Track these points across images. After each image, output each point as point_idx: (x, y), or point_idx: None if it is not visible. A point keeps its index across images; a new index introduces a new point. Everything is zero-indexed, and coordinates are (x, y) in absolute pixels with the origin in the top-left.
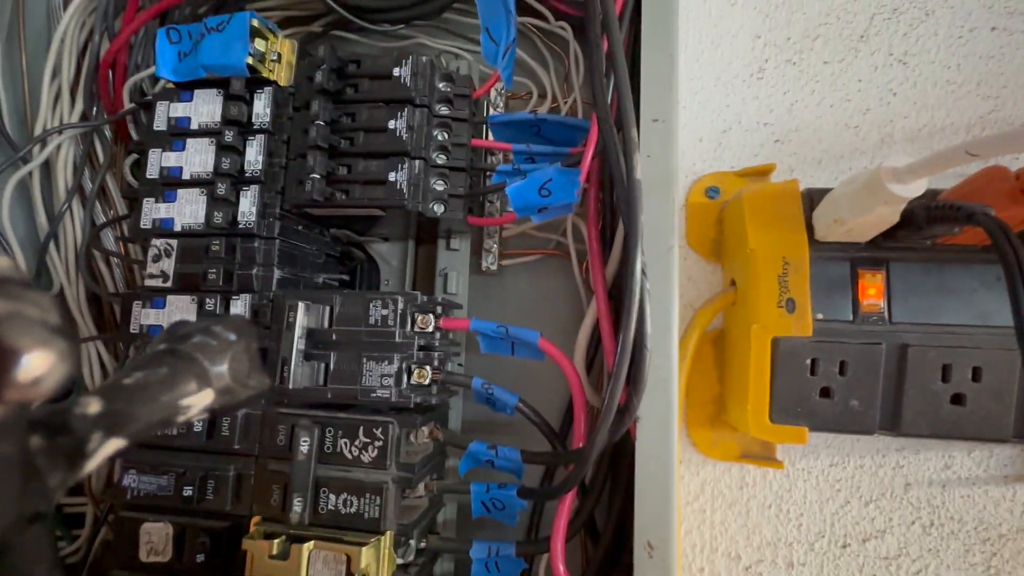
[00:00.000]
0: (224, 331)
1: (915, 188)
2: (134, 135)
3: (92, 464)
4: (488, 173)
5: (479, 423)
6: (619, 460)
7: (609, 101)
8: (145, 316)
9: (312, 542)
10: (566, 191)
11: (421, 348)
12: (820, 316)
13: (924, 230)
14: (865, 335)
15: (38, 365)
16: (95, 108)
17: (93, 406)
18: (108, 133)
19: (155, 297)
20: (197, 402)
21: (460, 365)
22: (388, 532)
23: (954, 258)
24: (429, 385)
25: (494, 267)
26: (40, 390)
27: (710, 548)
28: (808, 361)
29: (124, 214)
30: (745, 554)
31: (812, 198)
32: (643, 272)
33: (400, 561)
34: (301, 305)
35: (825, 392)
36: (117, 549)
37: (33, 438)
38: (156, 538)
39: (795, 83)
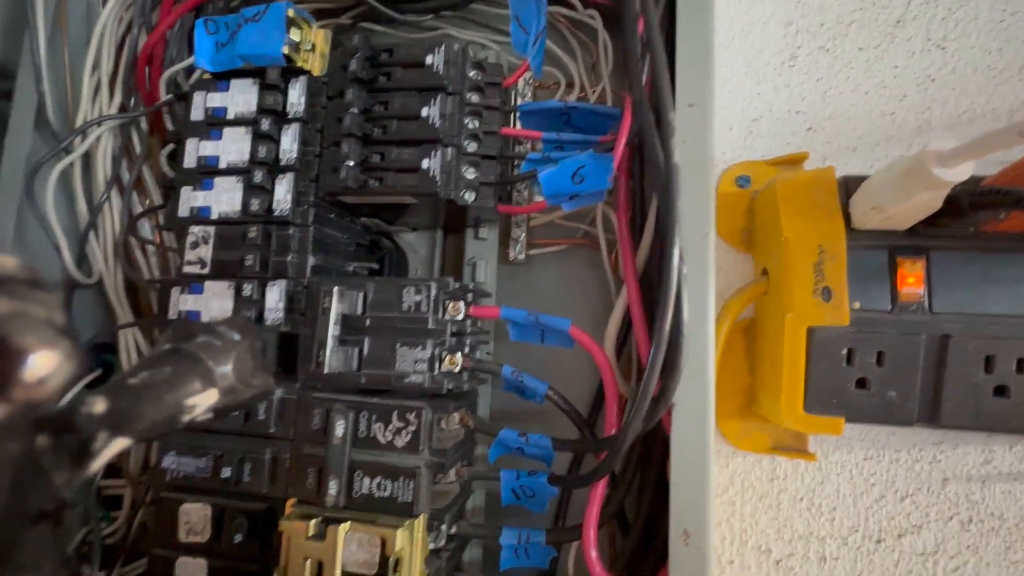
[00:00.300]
0: (228, 331)
1: (960, 172)
2: (170, 126)
3: (98, 463)
4: (517, 162)
5: (506, 412)
6: (649, 449)
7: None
8: (184, 302)
9: (348, 523)
10: (599, 177)
11: (453, 335)
12: (857, 305)
13: (968, 217)
14: (904, 325)
15: (44, 364)
16: (133, 100)
17: (99, 405)
18: (144, 125)
19: (193, 283)
20: (202, 402)
21: (488, 354)
22: (422, 516)
23: (999, 246)
24: (460, 372)
25: (522, 257)
26: (46, 390)
27: (740, 541)
28: (844, 351)
29: (160, 204)
30: (776, 547)
31: (848, 185)
32: (681, 258)
33: (432, 546)
34: (336, 291)
35: (862, 383)
36: (156, 529)
37: (39, 437)
38: (195, 518)
39: (828, 70)
